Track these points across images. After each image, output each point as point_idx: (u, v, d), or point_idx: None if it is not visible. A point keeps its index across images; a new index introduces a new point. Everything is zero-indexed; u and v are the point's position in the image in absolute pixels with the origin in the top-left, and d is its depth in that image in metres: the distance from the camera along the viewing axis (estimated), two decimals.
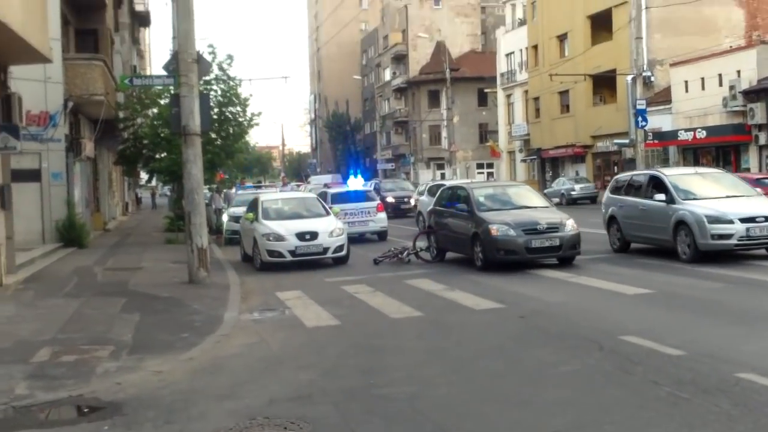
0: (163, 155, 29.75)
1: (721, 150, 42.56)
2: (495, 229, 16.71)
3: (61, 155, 26.15)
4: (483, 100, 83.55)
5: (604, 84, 52.85)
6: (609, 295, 13.35)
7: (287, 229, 19.58)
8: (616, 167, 52.01)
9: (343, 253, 19.86)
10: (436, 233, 19.73)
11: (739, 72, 39.68)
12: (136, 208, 67.73)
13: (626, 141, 48.57)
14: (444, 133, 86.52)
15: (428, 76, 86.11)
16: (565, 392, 7.71)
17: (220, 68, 28.79)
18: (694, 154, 44.48)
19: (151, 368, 9.61)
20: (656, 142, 45.03)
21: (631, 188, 19.35)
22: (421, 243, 20.13)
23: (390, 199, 40.11)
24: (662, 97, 46.29)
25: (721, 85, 40.83)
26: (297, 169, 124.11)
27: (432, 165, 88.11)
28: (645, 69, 45.19)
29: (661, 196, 17.49)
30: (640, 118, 41.72)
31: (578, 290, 13.97)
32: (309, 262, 19.57)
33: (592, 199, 48.97)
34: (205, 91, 19.85)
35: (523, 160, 64.81)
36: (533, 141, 61.86)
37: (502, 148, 69.90)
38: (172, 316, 13.18)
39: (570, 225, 17.02)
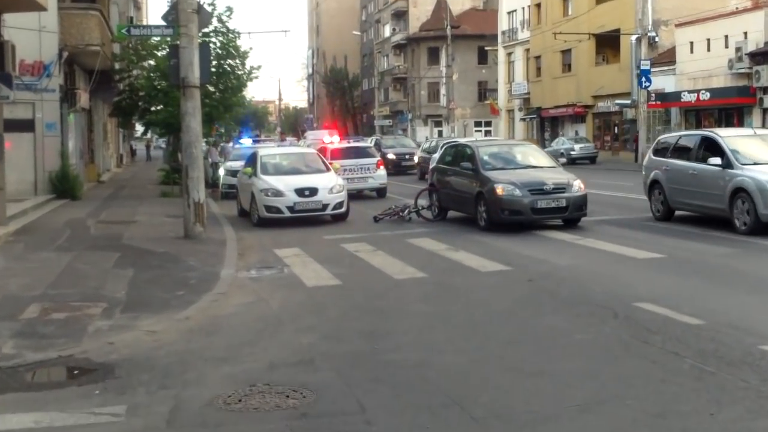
0: (159, 108, 29.22)
1: (724, 112, 42.04)
2: (500, 189, 16.25)
3: (55, 106, 25.62)
4: (483, 58, 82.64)
5: (607, 44, 52.15)
6: (619, 258, 12.92)
7: (286, 184, 19.12)
8: (616, 128, 51.61)
9: (343, 210, 19.43)
10: (438, 191, 19.27)
11: (745, 34, 39.05)
12: (130, 160, 67.10)
13: (628, 102, 48.11)
14: (443, 91, 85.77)
15: (428, 33, 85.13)
16: (583, 362, 7.32)
17: (219, 20, 28.17)
18: (697, 115, 43.99)
19: (145, 327, 9.21)
20: (659, 103, 44.53)
21: (679, 150, 17.51)
22: (423, 201, 19.70)
23: (391, 156, 39.03)
24: (666, 58, 45.66)
25: (726, 46, 40.21)
26: (293, 124, 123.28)
27: (430, 122, 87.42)
28: (650, 29, 44.45)
29: (717, 160, 15.67)
30: (643, 79, 41.23)
31: (586, 253, 13.55)
32: (307, 218, 19.14)
33: (592, 159, 48.53)
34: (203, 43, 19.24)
35: (523, 119, 64.15)
36: (533, 100, 61.20)
37: (501, 107, 69.25)
38: (167, 272, 12.75)
39: (577, 185, 16.56)
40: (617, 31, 48.37)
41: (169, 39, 27.06)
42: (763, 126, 38.69)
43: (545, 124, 60.22)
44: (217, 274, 12.52)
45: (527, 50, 64.33)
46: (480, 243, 15.11)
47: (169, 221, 19.57)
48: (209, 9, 25.36)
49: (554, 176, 16.82)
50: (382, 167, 26.47)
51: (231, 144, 38.75)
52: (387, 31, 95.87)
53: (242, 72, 27.84)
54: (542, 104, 59.13)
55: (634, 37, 46.72)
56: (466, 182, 17.56)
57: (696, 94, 41.49)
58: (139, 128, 54.56)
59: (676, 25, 44.60)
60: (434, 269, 12.48)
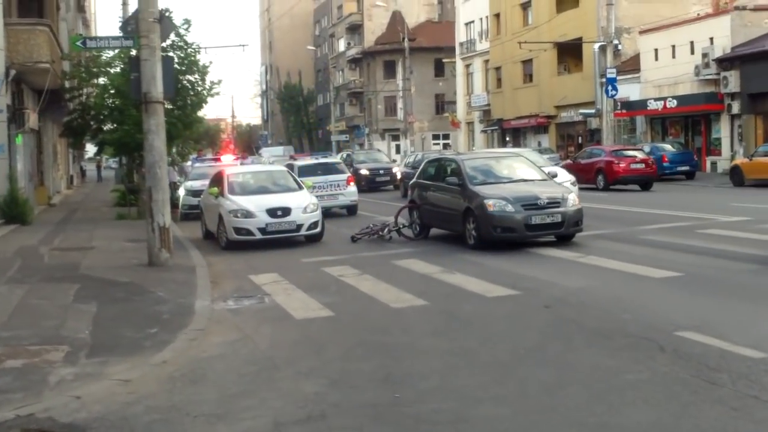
0: (112, 126, 27.68)
1: (691, 119, 41.49)
2: (491, 205, 15.11)
3: (2, 127, 24.04)
4: (440, 70, 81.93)
5: (568, 53, 51.56)
6: (633, 278, 11.81)
7: (257, 204, 17.81)
8: (580, 138, 50.88)
9: (318, 230, 18.17)
10: (419, 208, 18.07)
11: (711, 39, 38.51)
12: (81, 181, 65.09)
13: (592, 111, 47.43)
14: (400, 104, 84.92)
15: (384, 47, 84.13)
16: (651, 412, 6.15)
17: (177, 34, 26.74)
18: (663, 123, 43.41)
19: (116, 376, 7.90)
20: (624, 111, 43.88)
21: None
22: (402, 219, 18.51)
23: (364, 172, 37.10)
24: (630, 66, 45.04)
25: (692, 53, 39.63)
26: (247, 142, 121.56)
27: (387, 136, 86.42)
28: (612, 37, 43.84)
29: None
30: (609, 87, 40.55)
31: (595, 273, 12.42)
32: (280, 240, 17.86)
33: None
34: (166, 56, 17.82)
35: (484, 131, 63.27)
36: (494, 111, 60.35)
37: (461, 119, 68.43)
38: (135, 306, 11.39)
39: (572, 200, 15.49)
40: (579, 39, 47.70)
41: (122, 55, 26.00)
42: (732, 133, 38.22)
43: (506, 136, 59.34)
44: (190, 307, 11.21)
45: (486, 61, 63.58)
46: (474, 263, 13.94)
47: (129, 246, 18.17)
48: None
49: (547, 190, 15.72)
50: (352, 184, 25.23)
51: (190, 163, 37.26)
52: (342, 45, 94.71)
53: (202, 88, 26.44)
54: (503, 115, 58.30)
55: (596, 46, 46.13)
56: (452, 198, 16.41)
57: (662, 102, 40.87)
58: (90, 148, 52.76)
59: (640, 32, 44.01)
60: (433, 295, 11.28)
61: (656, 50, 42.42)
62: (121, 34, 17.05)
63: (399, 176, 35.11)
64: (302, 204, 18.03)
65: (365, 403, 6.74)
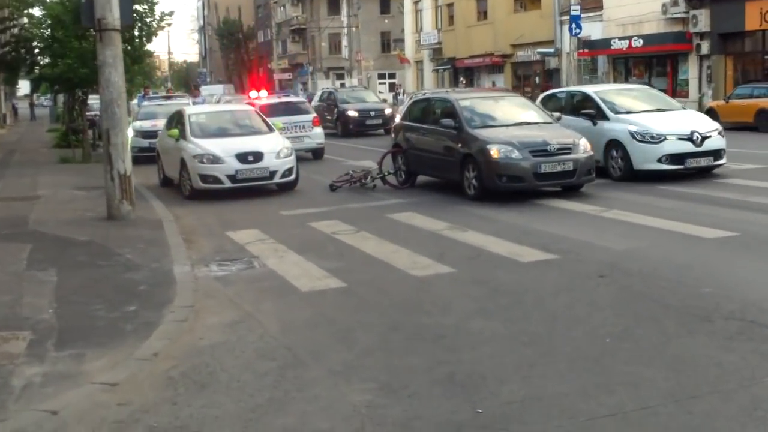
0: (51, 60, 25.32)
1: (656, 59, 40.19)
2: (496, 150, 13.49)
3: None
4: (385, 7, 79.78)
5: None
6: (681, 239, 10.30)
7: (225, 149, 15.94)
8: (538, 78, 49.40)
9: (293, 177, 16.41)
10: (405, 153, 16.38)
11: None
12: (13, 120, 61.83)
13: (551, 50, 45.95)
14: (344, 42, 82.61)
15: None
16: None
17: None
18: (626, 64, 42.05)
19: (99, 377, 6.18)
20: (586, 51, 42.43)
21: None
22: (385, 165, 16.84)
23: (352, 113, 33.11)
24: (591, 4, 43.38)
25: None
26: (185, 79, 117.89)
27: (332, 75, 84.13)
28: None
29: None
30: (573, 25, 38.95)
31: (632, 231, 10.87)
32: (250, 188, 16.08)
33: None
34: None
35: (435, 70, 61.37)
36: (446, 50, 58.41)
37: (409, 57, 66.45)
38: (103, 273, 9.59)
39: (583, 145, 13.94)
40: None
41: None
42: (700, 74, 37.02)
43: (459, 75, 57.54)
44: (169, 274, 9.46)
45: None
46: (483, 218, 12.34)
47: (81, 196, 16.28)
48: None
49: (556, 134, 14.11)
50: (318, 125, 23.39)
51: (135, 101, 34.81)
52: None
53: (152, 19, 24.17)
54: (456, 54, 56.39)
55: None
56: (447, 143, 14.74)
57: (628, 41, 39.43)
58: (24, 85, 49.81)
59: None
60: (455, 259, 9.65)
61: None
62: None
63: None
64: (275, 148, 16.23)
65: (441, 423, 5.13)
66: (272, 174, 15.97)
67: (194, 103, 29.69)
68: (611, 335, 6.62)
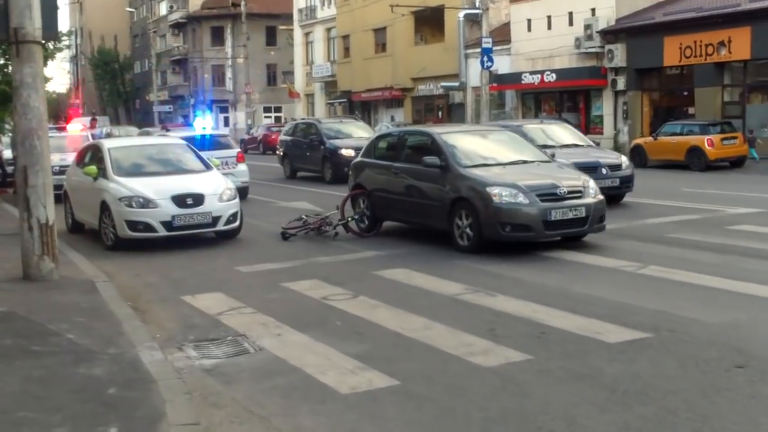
0: None
1: (566, 95, 39.24)
2: (497, 194, 11.44)
3: None
4: (271, 39, 77.54)
5: (426, 22, 48.39)
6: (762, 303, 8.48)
7: (158, 190, 13.36)
8: (440, 112, 47.94)
9: (237, 223, 13.95)
10: (369, 196, 14.15)
11: (593, 11, 36.18)
12: None
13: (456, 84, 44.56)
14: (229, 74, 79.88)
15: (212, 11, 78.65)
16: None
17: None
18: (536, 99, 40.97)
19: None
20: (495, 85, 41.14)
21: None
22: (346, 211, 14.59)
23: (346, 152, 24.00)
24: (498, 37, 42.25)
25: (571, 24, 37.24)
26: (55, 111, 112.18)
27: (215, 108, 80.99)
28: (478, 5, 41.04)
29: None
30: (485, 58, 37.39)
31: (705, 295, 8.89)
32: (185, 237, 13.57)
33: None
34: None
35: (330, 103, 59.26)
36: (341, 83, 56.46)
37: (300, 90, 64.27)
38: (45, 366, 7.00)
39: (593, 187, 12.05)
40: (441, 7, 44.47)
41: None
42: (615, 110, 36.16)
43: (355, 109, 55.60)
44: (138, 365, 6.99)
45: (329, 30, 59.75)
46: (499, 277, 10.22)
47: None
48: None
49: (562, 175, 12.17)
50: (243, 162, 20.91)
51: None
52: (163, 8, 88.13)
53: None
54: (352, 87, 54.48)
55: (461, 14, 43.27)
56: (429, 185, 12.59)
57: (540, 76, 38.31)
58: None
59: (511, 1, 41.35)
60: (517, 339, 7.46)
61: (529, 21, 39.82)
62: None
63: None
64: (217, 189, 13.77)
65: None
66: (215, 220, 13.49)
67: (93, 136, 26.63)
68: None
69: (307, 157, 26.77)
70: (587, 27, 35.96)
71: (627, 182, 16.85)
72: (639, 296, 8.91)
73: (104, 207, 13.59)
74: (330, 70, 58.22)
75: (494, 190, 11.47)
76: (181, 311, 9.22)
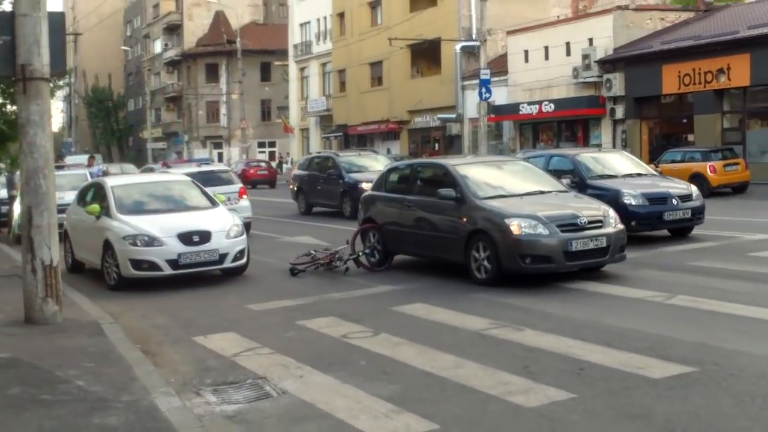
0: None
1: (565, 125, 39.05)
2: (517, 226, 11.09)
3: None
4: (266, 75, 77.64)
5: (422, 55, 48.34)
6: None
7: (163, 228, 12.98)
8: (437, 144, 47.75)
9: (244, 260, 13.57)
10: (380, 230, 13.79)
11: (591, 40, 36.11)
12: None
13: (453, 116, 44.42)
14: (223, 110, 79.83)
15: (207, 49, 78.73)
16: None
17: None
18: (534, 129, 40.78)
19: None
20: (492, 116, 40.93)
21: None
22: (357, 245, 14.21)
23: (368, 186, 18.40)
24: (495, 69, 42.11)
25: (568, 54, 37.16)
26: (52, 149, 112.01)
27: (209, 144, 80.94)
28: (475, 38, 41.02)
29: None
30: (483, 90, 37.22)
31: (744, 326, 8.54)
32: (190, 276, 13.18)
33: None
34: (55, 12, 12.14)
35: (325, 137, 59.06)
36: (337, 117, 56.28)
37: (294, 125, 64.11)
38: (58, 417, 6.58)
39: (613, 217, 11.72)
40: (438, 40, 44.39)
41: None
42: (614, 139, 35.95)
43: (350, 143, 55.40)
44: (156, 413, 6.59)
45: (324, 64, 59.72)
46: (524, 311, 9.85)
47: None
48: None
49: (582, 205, 11.84)
50: (245, 197, 20.56)
51: (18, 173, 30.92)
52: (158, 46, 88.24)
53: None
54: (348, 121, 54.32)
55: (458, 47, 43.22)
56: (444, 217, 12.24)
57: (538, 106, 38.16)
58: None
59: (508, 33, 41.27)
60: (556, 376, 7.06)
61: (526, 51, 39.74)
62: None
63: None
64: (224, 226, 13.40)
65: None
66: (222, 257, 13.11)
67: (91, 174, 26.23)
68: None
69: (324, 191, 25.78)
70: (585, 57, 35.87)
71: (698, 214, 15.41)
72: (674, 328, 8.54)
73: (107, 246, 13.20)
74: (325, 104, 58.11)
75: (513, 221, 11.12)
76: (194, 353, 8.83)
